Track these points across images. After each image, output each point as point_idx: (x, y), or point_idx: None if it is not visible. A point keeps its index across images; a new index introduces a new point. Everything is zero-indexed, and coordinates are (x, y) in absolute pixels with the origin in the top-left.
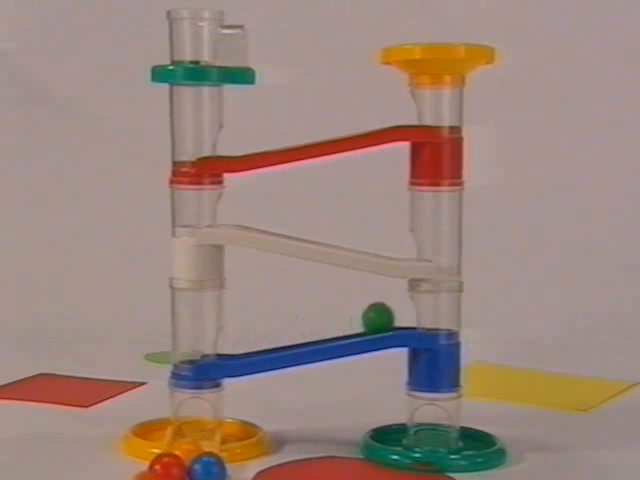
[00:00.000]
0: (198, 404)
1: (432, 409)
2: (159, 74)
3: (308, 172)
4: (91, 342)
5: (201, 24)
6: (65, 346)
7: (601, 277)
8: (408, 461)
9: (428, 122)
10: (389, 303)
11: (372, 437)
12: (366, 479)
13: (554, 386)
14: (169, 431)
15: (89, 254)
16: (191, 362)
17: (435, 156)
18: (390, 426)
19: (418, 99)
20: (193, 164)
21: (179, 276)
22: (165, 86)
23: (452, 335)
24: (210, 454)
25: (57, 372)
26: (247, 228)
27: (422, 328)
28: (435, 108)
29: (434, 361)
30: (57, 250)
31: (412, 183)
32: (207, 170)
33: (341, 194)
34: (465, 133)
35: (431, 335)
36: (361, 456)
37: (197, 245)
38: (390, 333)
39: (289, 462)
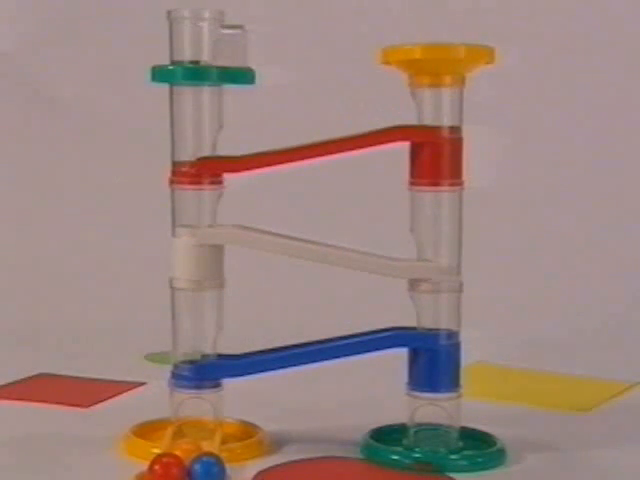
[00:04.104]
0: (198, 404)
1: (432, 409)
2: (159, 74)
3: (308, 172)
4: (91, 342)
5: (201, 24)
6: (65, 346)
7: (601, 277)
8: (408, 461)
9: (428, 122)
10: (389, 303)
11: (372, 437)
12: (366, 479)
13: (554, 386)
14: (169, 431)
15: (89, 254)
16: (191, 362)
17: (435, 156)
18: (390, 426)
19: (418, 99)
20: (193, 164)
21: (179, 276)
22: (165, 86)
23: (452, 335)
24: (210, 454)
25: (57, 372)
26: (247, 228)
27: (422, 328)
28: (435, 108)
29: (434, 361)
30: (57, 250)
31: (412, 183)
32: (207, 170)
33: (341, 194)
34: (465, 133)
35: (431, 335)
36: (361, 456)
37: (197, 245)
38: (390, 333)
39: (289, 462)
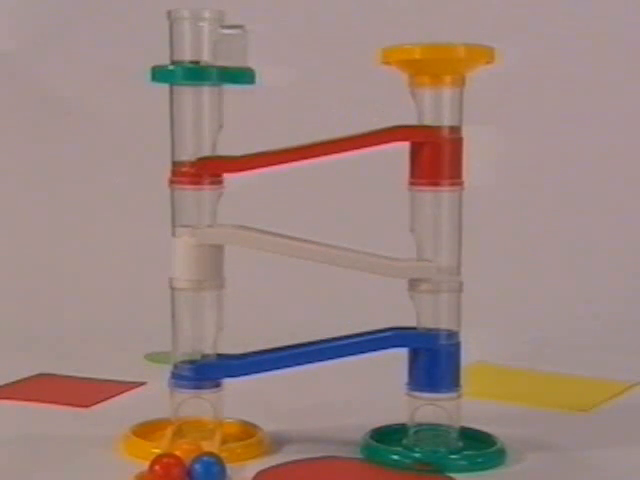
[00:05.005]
0: (198, 404)
1: (432, 409)
2: (159, 74)
3: (308, 172)
4: (91, 342)
5: (201, 24)
6: (65, 346)
7: (601, 277)
8: (408, 461)
9: (428, 122)
10: (389, 303)
11: (372, 437)
12: (366, 479)
13: (554, 386)
14: (169, 431)
15: (89, 254)
16: (191, 362)
17: (435, 156)
18: (390, 426)
19: (418, 99)
20: (193, 164)
21: (179, 276)
22: (165, 86)
23: (452, 335)
24: (210, 454)
25: (57, 372)
26: (247, 228)
27: (422, 328)
28: (435, 108)
29: (434, 361)
30: (57, 250)
31: (412, 183)
32: (207, 170)
33: (341, 194)
34: (465, 133)
35: (431, 335)
36: (361, 456)
37: (197, 245)
38: (390, 333)
39: (289, 462)
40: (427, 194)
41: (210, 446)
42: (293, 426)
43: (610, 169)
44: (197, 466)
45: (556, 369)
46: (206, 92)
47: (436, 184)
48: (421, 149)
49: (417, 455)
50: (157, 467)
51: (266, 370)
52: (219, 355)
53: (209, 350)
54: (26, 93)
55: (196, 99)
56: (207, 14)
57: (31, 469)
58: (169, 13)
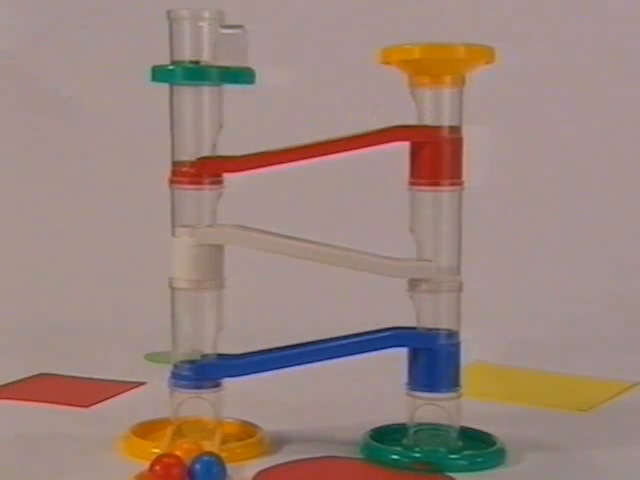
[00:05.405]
0: (198, 404)
1: (432, 409)
2: (159, 74)
3: (308, 172)
4: (91, 342)
5: (201, 24)
6: (65, 346)
7: (601, 277)
8: (408, 461)
9: (428, 122)
10: (389, 303)
11: (372, 437)
12: (366, 479)
13: (554, 386)
14: (169, 431)
15: (89, 254)
16: (191, 362)
17: (435, 156)
18: (390, 426)
19: (418, 99)
20: (193, 164)
21: (179, 276)
22: (165, 86)
23: (452, 335)
24: (211, 453)
25: (57, 372)
26: (247, 228)
27: (422, 328)
28: (435, 108)
29: (434, 361)
30: (57, 250)
31: (412, 183)
32: (207, 170)
33: (341, 194)
34: (465, 133)
35: (431, 335)
36: (361, 456)
37: (197, 245)
38: (390, 333)
39: (289, 462)
40: (427, 194)
41: (210, 446)
42: (293, 426)
43: (610, 169)
44: (197, 466)
45: (556, 369)
46: (206, 92)
47: (436, 184)
48: (421, 149)
49: (417, 455)
50: (157, 467)
51: (266, 370)
52: (219, 355)
53: (209, 350)
54: (26, 93)
55: (196, 99)
56: (207, 14)
57: (31, 469)
58: (169, 13)
